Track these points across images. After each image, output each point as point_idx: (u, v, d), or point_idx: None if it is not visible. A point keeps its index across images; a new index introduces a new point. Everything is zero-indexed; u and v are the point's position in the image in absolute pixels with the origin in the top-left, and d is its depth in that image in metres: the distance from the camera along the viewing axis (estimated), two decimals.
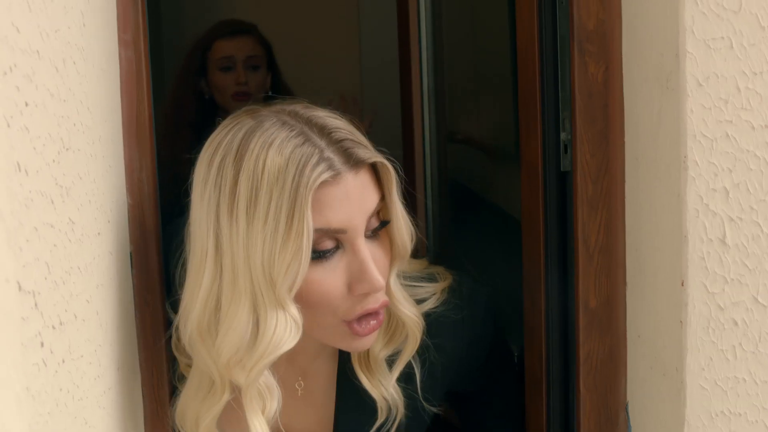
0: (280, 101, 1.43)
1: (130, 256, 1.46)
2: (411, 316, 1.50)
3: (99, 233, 1.26)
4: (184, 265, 1.43)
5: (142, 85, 1.48)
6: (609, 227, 1.50)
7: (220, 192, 1.32)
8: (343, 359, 1.58)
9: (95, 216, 1.23)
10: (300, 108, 1.39)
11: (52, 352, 0.99)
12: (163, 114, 3.17)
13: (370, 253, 1.37)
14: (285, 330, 1.34)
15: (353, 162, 1.33)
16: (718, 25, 1.26)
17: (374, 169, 1.39)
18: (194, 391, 1.46)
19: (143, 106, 1.48)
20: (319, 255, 1.34)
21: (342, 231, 1.34)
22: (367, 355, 1.53)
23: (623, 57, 1.46)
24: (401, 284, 1.54)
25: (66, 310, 1.06)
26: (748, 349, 1.32)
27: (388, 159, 1.39)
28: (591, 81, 1.48)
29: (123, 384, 1.37)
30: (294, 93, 3.35)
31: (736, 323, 1.31)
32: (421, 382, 1.57)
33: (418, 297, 1.57)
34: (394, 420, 1.55)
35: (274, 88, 3.33)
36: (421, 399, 1.58)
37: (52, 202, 1.02)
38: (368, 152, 1.36)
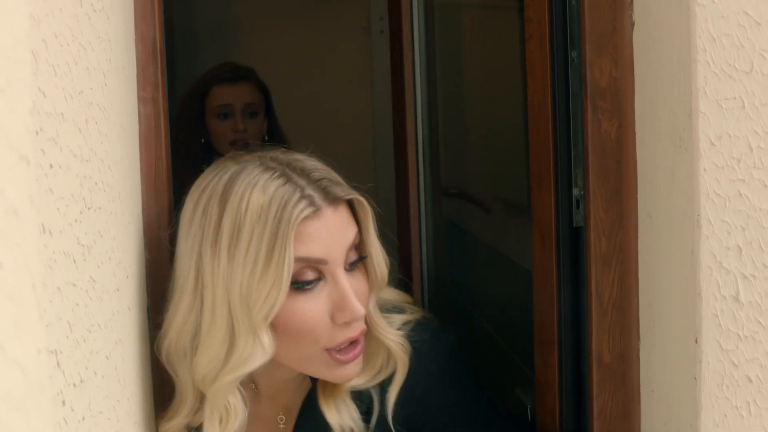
0: (260, 149, 1.53)
1: (148, 310, 1.47)
2: (395, 340, 1.57)
3: (118, 289, 1.27)
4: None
5: (161, 141, 1.50)
6: (622, 283, 1.51)
7: (203, 231, 1.42)
8: (312, 388, 1.63)
9: (114, 272, 1.25)
10: (280, 153, 1.49)
11: (72, 410, 1.00)
12: None
13: (349, 284, 1.45)
14: (254, 351, 1.42)
15: (332, 198, 1.43)
16: (730, 85, 1.27)
17: (351, 206, 1.50)
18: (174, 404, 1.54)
19: (161, 162, 1.50)
20: (301, 285, 1.43)
21: (323, 261, 1.43)
22: (331, 388, 1.58)
23: (636, 115, 1.48)
24: (378, 312, 1.60)
25: (86, 368, 1.07)
26: (763, 405, 1.32)
27: (362, 195, 1.50)
28: (604, 137, 1.50)
29: None
30: (289, 140, 3.31)
31: (750, 380, 1.32)
32: (378, 413, 1.61)
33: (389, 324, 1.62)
34: None
35: (270, 133, 3.29)
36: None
37: (74, 262, 1.03)
38: (344, 190, 1.47)
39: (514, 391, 1.96)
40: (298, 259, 1.40)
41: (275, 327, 1.43)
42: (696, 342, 1.31)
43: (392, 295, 1.70)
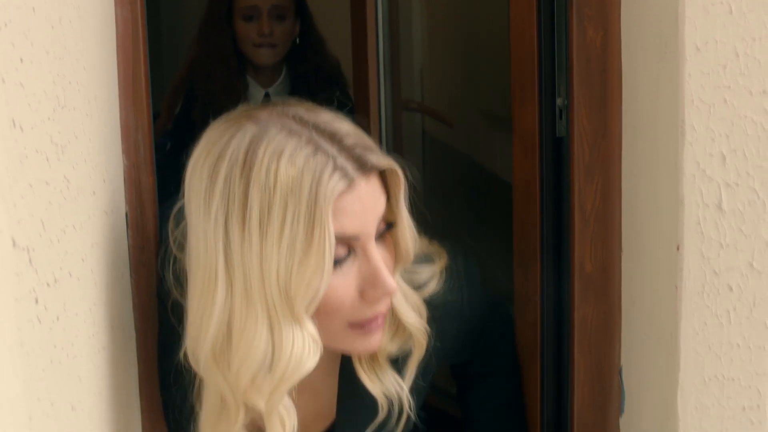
0: (279, 103, 1.35)
1: (126, 216, 1.45)
2: (414, 323, 1.46)
3: (94, 192, 1.25)
4: (174, 265, 1.39)
5: (138, 46, 1.47)
6: (605, 193, 1.50)
7: (228, 205, 1.24)
8: (343, 364, 1.55)
9: (90, 175, 1.23)
10: (303, 111, 1.32)
11: (46, 309, 0.99)
12: (188, 65, 3.11)
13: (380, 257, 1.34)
14: (304, 349, 1.29)
15: (367, 168, 1.28)
16: None
17: (381, 173, 1.34)
18: (210, 415, 1.40)
19: (139, 67, 1.47)
20: (333, 263, 1.28)
21: (356, 237, 1.29)
22: (366, 357, 1.50)
23: (621, 22, 1.46)
24: (402, 279, 1.49)
25: (61, 268, 1.06)
26: (742, 314, 1.32)
27: (396, 163, 1.35)
28: (589, 46, 1.48)
29: (117, 344, 1.37)
30: (326, 42, 3.21)
31: (730, 288, 1.31)
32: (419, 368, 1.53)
33: (418, 282, 1.53)
34: (399, 416, 1.51)
35: (303, 36, 3.18)
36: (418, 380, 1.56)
37: (47, 160, 1.02)
38: (380, 158, 1.31)
39: None
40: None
41: None
42: (678, 250, 1.31)
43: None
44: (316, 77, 3.18)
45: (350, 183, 1.25)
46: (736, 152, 1.28)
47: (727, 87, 1.27)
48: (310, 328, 1.29)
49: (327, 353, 1.42)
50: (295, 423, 1.39)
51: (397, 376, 1.49)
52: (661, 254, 1.36)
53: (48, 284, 1.00)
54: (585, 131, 1.49)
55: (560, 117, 1.54)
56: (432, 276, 1.53)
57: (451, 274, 1.56)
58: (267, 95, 3.16)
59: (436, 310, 1.51)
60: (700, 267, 1.30)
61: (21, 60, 0.93)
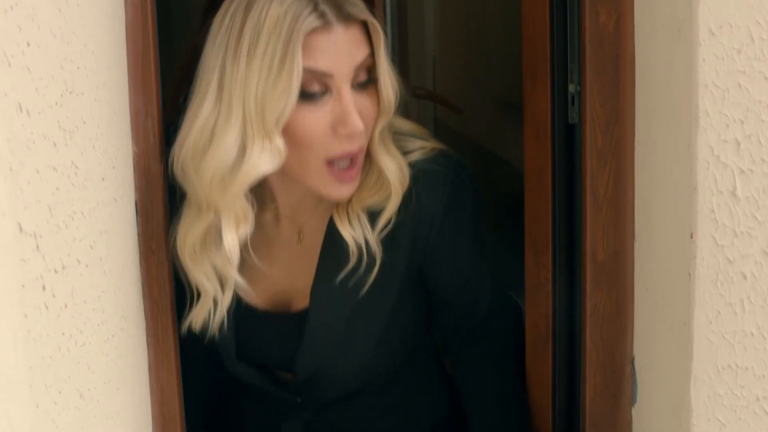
0: None
1: (135, 204, 1.45)
2: (394, 170, 1.63)
3: (103, 179, 1.24)
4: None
5: (148, 32, 1.46)
6: (618, 179, 1.49)
7: (228, 36, 1.50)
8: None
9: (99, 161, 1.22)
10: None
11: (54, 296, 0.98)
12: (190, 53, 3.11)
13: (354, 101, 1.53)
14: (267, 156, 1.51)
15: (344, 16, 1.50)
16: None
17: (365, 29, 1.56)
18: (186, 218, 1.60)
19: (149, 53, 1.46)
20: (307, 96, 1.50)
21: (329, 75, 1.50)
22: (345, 205, 1.66)
23: (635, 5, 1.44)
24: (390, 138, 1.68)
25: (69, 255, 1.05)
26: (757, 302, 1.31)
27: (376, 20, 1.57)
28: (602, 30, 1.47)
29: (127, 332, 1.37)
30: None
31: (744, 276, 1.30)
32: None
33: (405, 149, 1.70)
34: (372, 267, 1.66)
35: None
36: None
37: (55, 145, 1.01)
38: (359, 10, 1.53)
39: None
40: (305, 70, 1.48)
41: (283, 136, 1.51)
42: (691, 237, 1.29)
43: (412, 127, 1.75)
44: None
45: (325, 24, 1.48)
46: (750, 138, 1.26)
47: (742, 72, 1.25)
48: (278, 141, 1.51)
49: (320, 222, 1.70)
50: (247, 233, 1.62)
51: (369, 231, 1.65)
52: (674, 242, 1.35)
53: (55, 270, 0.99)
54: (597, 117, 1.48)
55: (572, 103, 1.53)
56: (421, 147, 1.70)
57: (442, 155, 1.71)
58: None
59: (414, 172, 1.66)
60: (714, 255, 1.29)
61: (28, 44, 0.92)
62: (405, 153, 1.68)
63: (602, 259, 1.51)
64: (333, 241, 1.66)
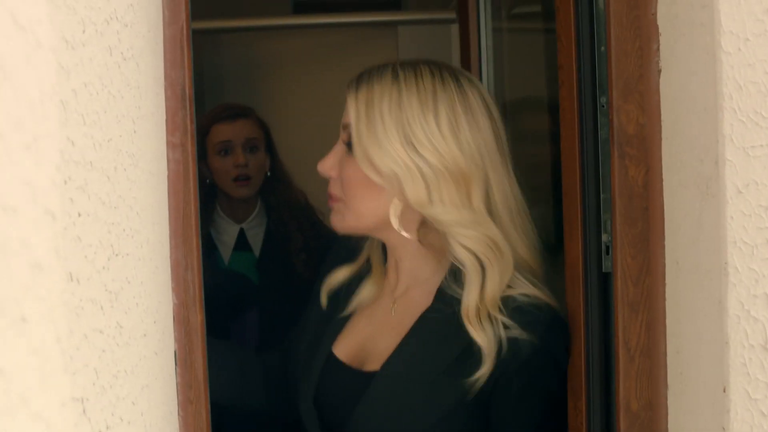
0: None
1: (175, 354, 1.47)
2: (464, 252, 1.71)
3: (145, 335, 1.27)
4: None
5: (189, 186, 1.51)
6: (650, 329, 1.51)
7: None
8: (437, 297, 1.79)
9: (142, 318, 1.25)
10: None
11: None
12: None
13: (336, 151, 1.81)
14: None
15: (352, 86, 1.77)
16: (757, 133, 1.27)
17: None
18: None
19: (189, 207, 1.50)
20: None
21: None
22: (476, 302, 1.70)
23: (663, 161, 1.48)
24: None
25: (113, 414, 1.07)
26: None
27: None
28: (631, 183, 1.50)
29: None
30: (291, 177, 3.38)
31: None
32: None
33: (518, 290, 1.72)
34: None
35: (273, 169, 3.32)
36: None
37: (102, 308, 1.04)
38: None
39: None
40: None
41: None
42: (724, 391, 1.30)
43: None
44: (289, 208, 3.31)
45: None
46: None
47: None
48: None
49: (420, 296, 1.82)
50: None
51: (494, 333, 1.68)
52: (707, 394, 1.35)
53: None
54: (629, 267, 1.50)
55: (607, 253, 1.56)
56: (529, 294, 1.71)
57: (548, 315, 1.71)
58: (242, 231, 3.24)
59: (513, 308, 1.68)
60: (748, 408, 1.29)
61: (79, 214, 0.96)
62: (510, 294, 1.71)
63: (636, 409, 1.52)
64: (428, 329, 1.76)
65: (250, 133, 3.24)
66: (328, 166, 1.81)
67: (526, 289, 1.71)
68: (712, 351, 1.33)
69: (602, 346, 1.60)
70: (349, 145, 1.75)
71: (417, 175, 1.67)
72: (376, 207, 1.75)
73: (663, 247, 1.48)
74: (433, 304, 1.77)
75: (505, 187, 1.73)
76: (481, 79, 3.04)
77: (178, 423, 1.48)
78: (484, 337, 1.65)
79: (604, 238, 1.56)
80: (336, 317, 1.93)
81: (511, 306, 1.68)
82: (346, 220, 1.80)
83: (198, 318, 1.53)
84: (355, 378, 1.81)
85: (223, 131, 3.21)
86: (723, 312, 1.29)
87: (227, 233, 3.26)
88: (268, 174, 3.30)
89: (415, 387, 1.72)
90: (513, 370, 1.66)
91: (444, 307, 1.74)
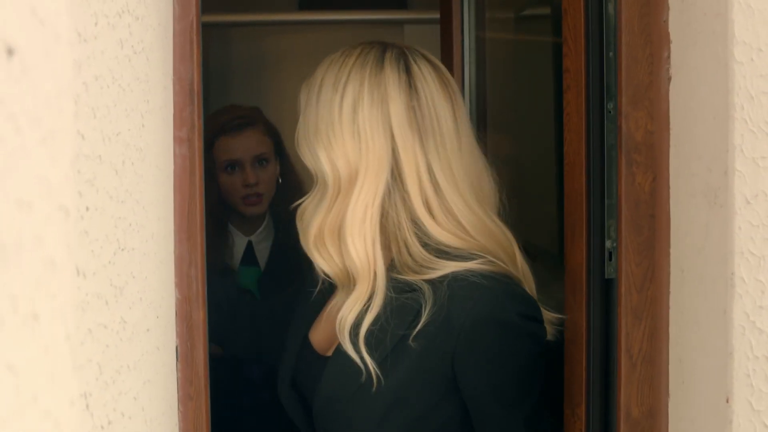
0: None
1: (176, 350, 1.47)
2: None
3: (148, 330, 1.27)
4: None
5: (195, 182, 1.50)
6: (653, 337, 1.50)
7: None
8: None
9: (145, 313, 1.25)
10: None
11: None
12: None
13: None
14: None
15: None
16: (767, 144, 1.27)
17: None
18: None
19: (195, 203, 1.50)
20: None
21: None
22: None
23: (671, 169, 1.47)
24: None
25: (114, 409, 1.07)
26: None
27: None
28: (638, 190, 1.50)
29: None
30: (303, 180, 3.04)
31: None
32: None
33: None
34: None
35: (284, 175, 3.08)
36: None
37: (107, 303, 1.04)
38: None
39: None
40: None
41: None
42: (727, 402, 1.30)
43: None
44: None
45: None
46: None
47: None
48: None
49: None
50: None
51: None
52: (710, 404, 1.35)
53: (102, 427, 1.01)
54: (633, 274, 1.50)
55: (610, 259, 1.55)
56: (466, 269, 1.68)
57: (492, 278, 1.68)
58: (250, 243, 3.11)
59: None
60: (750, 420, 1.29)
61: (87, 208, 0.96)
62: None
63: (636, 416, 1.52)
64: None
65: (258, 149, 2.99)
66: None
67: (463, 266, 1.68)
68: (716, 361, 1.33)
69: (603, 353, 1.60)
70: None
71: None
72: None
73: (668, 255, 1.48)
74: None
75: (444, 162, 1.72)
76: (462, 79, 2.99)
77: (178, 418, 1.48)
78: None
79: (608, 244, 1.56)
80: (316, 301, 1.92)
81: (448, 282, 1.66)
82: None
83: (200, 314, 1.52)
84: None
85: (230, 147, 2.96)
86: (728, 322, 1.29)
87: (235, 246, 3.07)
88: (280, 181, 3.07)
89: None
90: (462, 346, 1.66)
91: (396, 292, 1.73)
